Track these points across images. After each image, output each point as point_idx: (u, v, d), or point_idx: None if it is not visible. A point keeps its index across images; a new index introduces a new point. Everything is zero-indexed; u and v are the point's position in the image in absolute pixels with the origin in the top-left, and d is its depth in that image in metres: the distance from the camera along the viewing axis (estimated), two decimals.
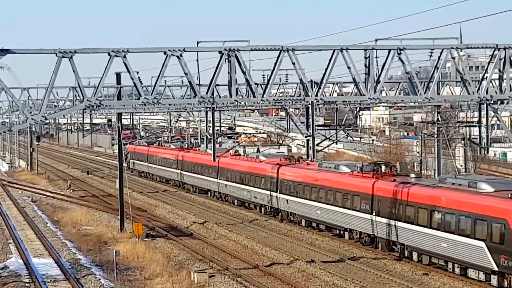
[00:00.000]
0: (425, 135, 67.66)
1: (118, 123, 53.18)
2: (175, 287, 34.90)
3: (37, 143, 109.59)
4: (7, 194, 77.96)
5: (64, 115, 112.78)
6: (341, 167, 48.19)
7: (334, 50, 34.08)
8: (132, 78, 32.64)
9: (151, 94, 33.34)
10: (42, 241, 47.90)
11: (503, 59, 35.28)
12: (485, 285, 34.28)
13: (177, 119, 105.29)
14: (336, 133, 67.55)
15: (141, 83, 40.86)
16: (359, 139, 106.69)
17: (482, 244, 33.76)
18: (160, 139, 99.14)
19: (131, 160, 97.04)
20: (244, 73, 33.63)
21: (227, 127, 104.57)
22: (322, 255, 42.83)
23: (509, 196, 33.26)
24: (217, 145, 55.62)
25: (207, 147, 67.93)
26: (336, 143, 77.48)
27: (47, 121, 69.70)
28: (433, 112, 65.40)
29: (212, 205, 66.05)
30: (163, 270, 38.17)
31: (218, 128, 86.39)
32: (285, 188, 53.36)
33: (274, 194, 55.24)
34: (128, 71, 32.31)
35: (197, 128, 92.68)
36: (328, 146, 72.33)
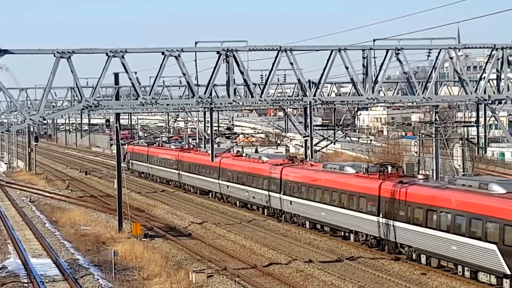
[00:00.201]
0: (423, 135, 67.55)
1: (116, 123, 53.21)
2: (173, 287, 34.92)
3: (35, 143, 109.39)
4: (5, 194, 77.84)
5: (62, 116, 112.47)
6: (346, 168, 47.17)
7: (332, 50, 34.05)
8: (130, 79, 32.56)
9: (149, 94, 33.33)
10: (40, 241, 47.85)
11: (500, 59, 35.25)
12: None
13: (175, 120, 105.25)
14: (334, 133, 67.40)
15: (139, 83, 41.00)
16: (357, 139, 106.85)
17: (493, 247, 32.89)
18: (158, 139, 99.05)
19: (131, 161, 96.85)
20: (242, 73, 33.60)
21: (225, 127, 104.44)
22: (320, 255, 42.80)
23: None
24: (215, 146, 55.52)
25: (205, 148, 67.85)
26: (334, 143, 77.41)
27: (45, 122, 69.87)
28: (431, 112, 65.50)
29: (210, 205, 66.05)
30: (161, 270, 38.17)
31: (217, 128, 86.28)
32: (289, 189, 52.66)
33: (277, 195, 54.53)
34: (126, 72, 32.28)
35: (195, 128, 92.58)
36: (326, 146, 72.28)
